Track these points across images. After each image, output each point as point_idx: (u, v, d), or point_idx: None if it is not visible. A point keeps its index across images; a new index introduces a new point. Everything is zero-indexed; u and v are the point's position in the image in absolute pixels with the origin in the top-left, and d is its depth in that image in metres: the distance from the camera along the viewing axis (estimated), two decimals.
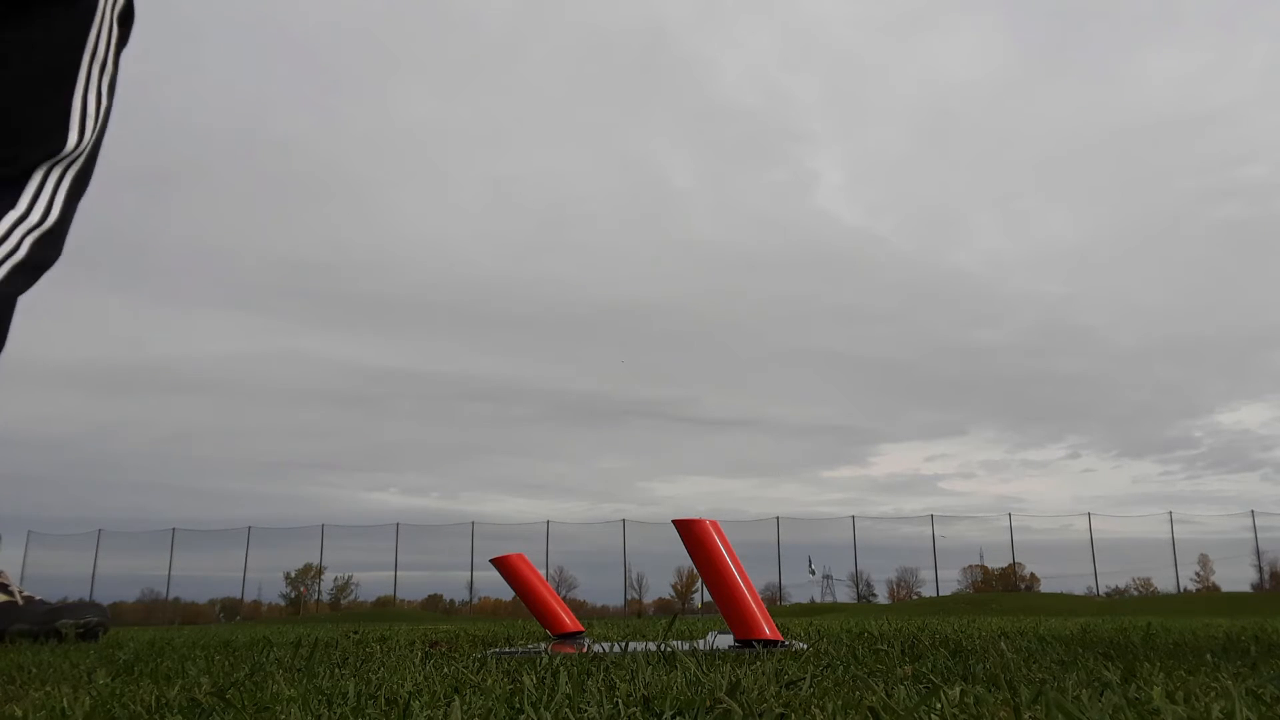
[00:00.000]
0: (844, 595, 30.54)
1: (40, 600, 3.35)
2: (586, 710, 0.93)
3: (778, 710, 0.89)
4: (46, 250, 1.51)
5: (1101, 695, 0.95)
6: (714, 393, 55.80)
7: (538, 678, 1.21)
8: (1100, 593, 28.41)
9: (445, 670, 1.43)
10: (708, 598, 24.12)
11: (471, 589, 30.69)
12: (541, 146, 62.55)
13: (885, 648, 1.80)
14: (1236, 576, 30.18)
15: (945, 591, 28.74)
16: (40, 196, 1.46)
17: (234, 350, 54.72)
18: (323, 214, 59.71)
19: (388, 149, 61.95)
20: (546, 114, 61.41)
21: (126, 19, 1.57)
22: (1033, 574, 32.58)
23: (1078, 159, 59.46)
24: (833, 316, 57.92)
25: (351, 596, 34.15)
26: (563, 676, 1.18)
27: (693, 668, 1.32)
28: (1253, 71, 56.01)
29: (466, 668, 1.47)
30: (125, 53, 1.64)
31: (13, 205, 1.43)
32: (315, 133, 60.82)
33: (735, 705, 0.90)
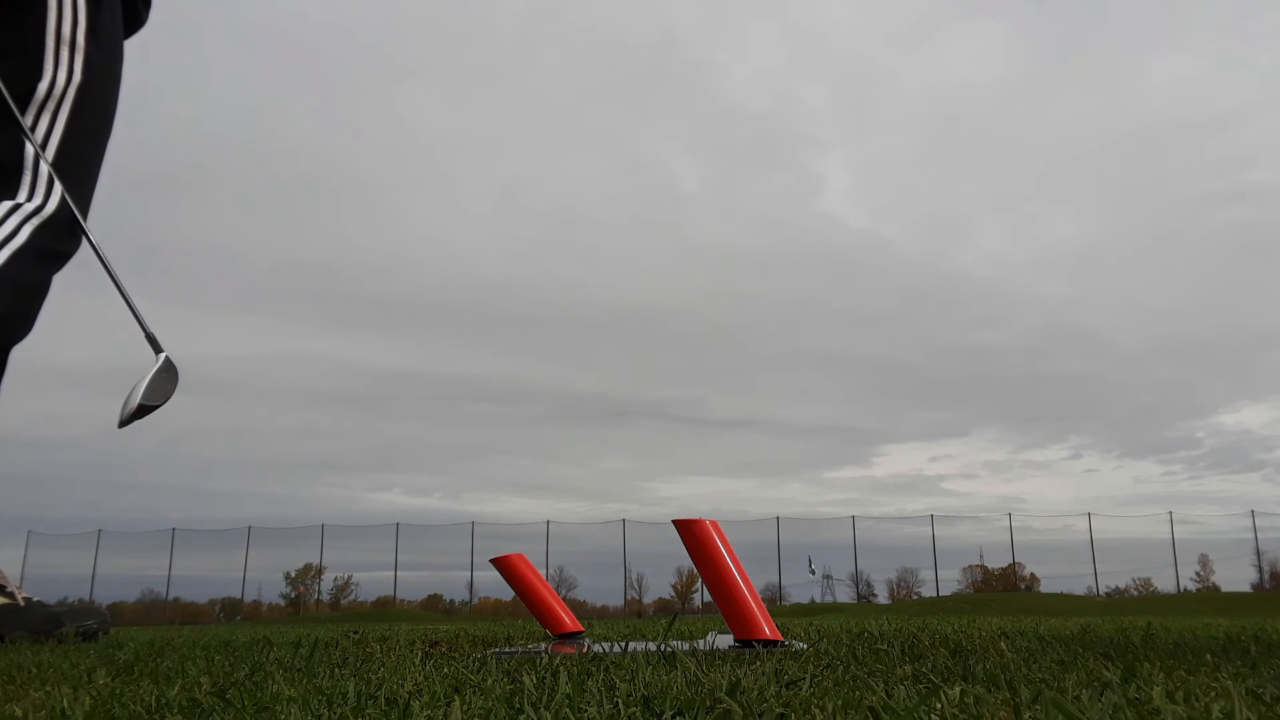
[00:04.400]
0: (844, 595, 30.57)
1: (41, 602, 3.35)
2: (586, 710, 0.93)
3: (778, 710, 0.89)
4: (56, 239, 1.52)
5: (1101, 695, 0.95)
6: (718, 393, 55.89)
7: (538, 678, 1.21)
8: (1100, 593, 28.43)
9: (445, 670, 1.43)
10: (708, 598, 24.10)
11: (471, 589, 30.74)
12: (550, 150, 62.72)
13: (885, 648, 1.80)
14: (1236, 576, 30.23)
15: (945, 591, 28.76)
16: (37, 185, 1.47)
17: (239, 351, 54.79)
18: (330, 217, 59.87)
19: (396, 152, 62.11)
20: (555, 117, 61.57)
21: None
22: (1033, 574, 32.61)
23: (1082, 162, 59.59)
24: (837, 318, 58.02)
25: (351, 596, 34.18)
26: (563, 676, 1.18)
27: (693, 668, 1.32)
28: (1258, 76, 56.17)
29: (466, 668, 1.47)
30: (135, 45, 1.65)
31: (13, 195, 1.44)
32: (324, 136, 60.97)
33: (735, 705, 0.90)
